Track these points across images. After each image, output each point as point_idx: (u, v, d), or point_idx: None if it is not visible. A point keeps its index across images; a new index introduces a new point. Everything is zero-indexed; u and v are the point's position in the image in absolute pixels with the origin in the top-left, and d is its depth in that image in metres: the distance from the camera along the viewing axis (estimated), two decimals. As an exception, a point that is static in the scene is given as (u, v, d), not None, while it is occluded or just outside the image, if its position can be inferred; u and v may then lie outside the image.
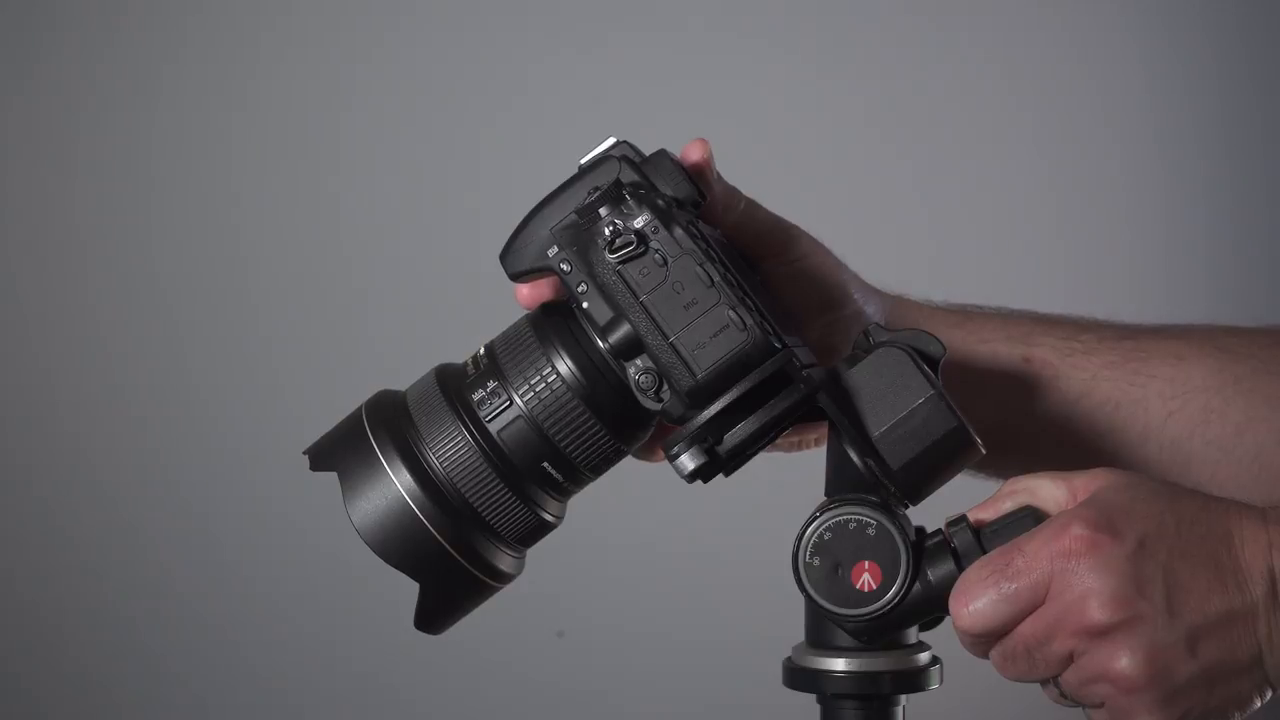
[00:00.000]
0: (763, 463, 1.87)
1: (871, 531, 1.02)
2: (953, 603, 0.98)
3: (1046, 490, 0.99)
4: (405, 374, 1.95)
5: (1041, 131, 1.89)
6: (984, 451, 1.02)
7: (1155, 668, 0.94)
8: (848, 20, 1.90)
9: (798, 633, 1.07)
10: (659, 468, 1.92)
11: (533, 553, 2.02)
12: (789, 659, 1.07)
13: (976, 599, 0.97)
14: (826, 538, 1.03)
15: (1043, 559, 0.95)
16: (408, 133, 1.94)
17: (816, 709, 1.07)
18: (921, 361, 1.02)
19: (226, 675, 1.98)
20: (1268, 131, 1.88)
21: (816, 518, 1.04)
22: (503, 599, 1.97)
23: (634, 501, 1.95)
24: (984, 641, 0.98)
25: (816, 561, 1.03)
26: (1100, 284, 1.91)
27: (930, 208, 1.99)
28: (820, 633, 1.05)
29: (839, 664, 1.05)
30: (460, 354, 1.08)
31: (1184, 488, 0.99)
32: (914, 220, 2.00)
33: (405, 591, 1.99)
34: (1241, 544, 0.95)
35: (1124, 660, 0.94)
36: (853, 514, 1.03)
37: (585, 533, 1.98)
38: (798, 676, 1.06)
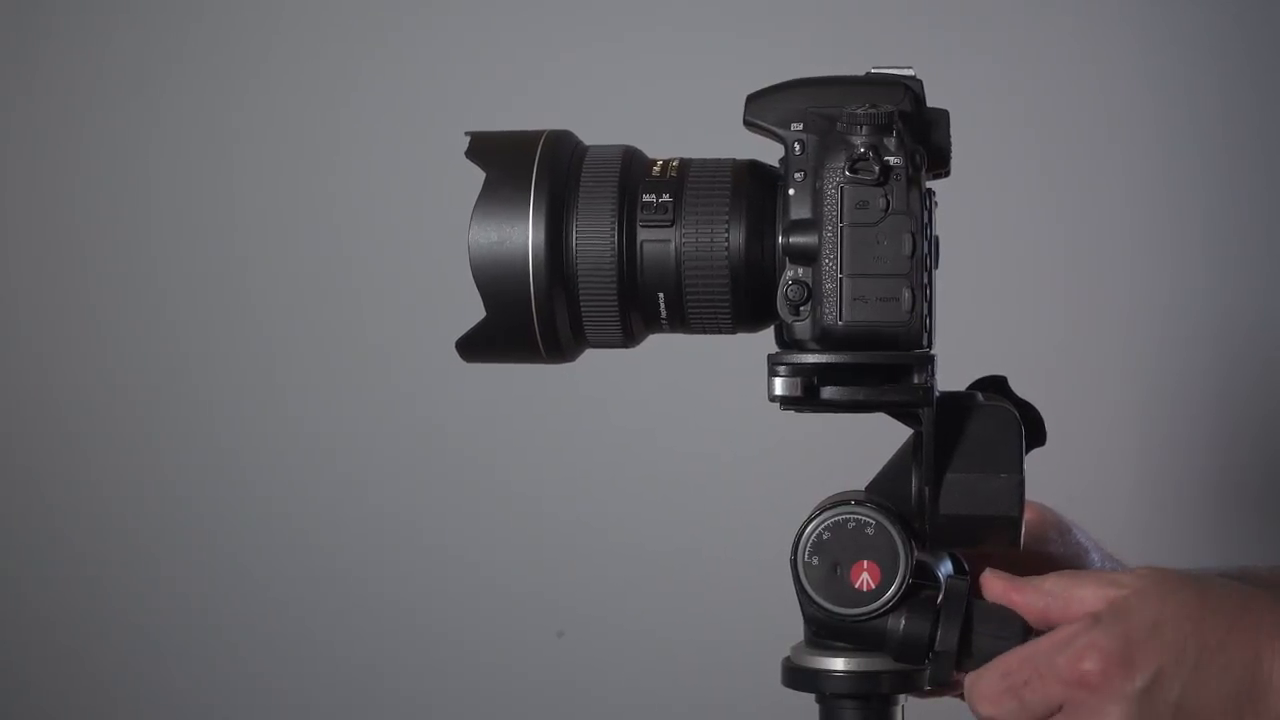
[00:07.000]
0: (762, 462, 1.88)
1: (870, 531, 1.03)
2: (971, 698, 1.00)
3: (1087, 593, 1.00)
4: (405, 371, 1.95)
5: (1043, 132, 1.89)
6: (1019, 550, 1.03)
7: None
8: (848, 21, 1.90)
9: (797, 632, 1.07)
10: (666, 468, 1.92)
11: (533, 553, 2.03)
12: (788, 659, 1.07)
13: (995, 705, 0.99)
14: (825, 537, 1.03)
15: (1058, 685, 0.97)
16: (407, 132, 1.94)
17: (816, 709, 1.07)
18: (1024, 441, 1.02)
19: (226, 675, 1.98)
20: (1267, 131, 1.88)
21: (815, 518, 1.04)
22: (503, 599, 1.97)
23: (634, 502, 1.95)
24: None
25: (815, 561, 1.03)
26: (1100, 283, 1.90)
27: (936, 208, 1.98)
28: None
29: (838, 663, 1.05)
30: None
31: (1221, 594, 0.98)
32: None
33: (405, 592, 1.99)
34: (1272, 664, 0.96)
35: None
36: (851, 514, 1.03)
37: (585, 532, 1.99)
38: (797, 676, 1.06)
